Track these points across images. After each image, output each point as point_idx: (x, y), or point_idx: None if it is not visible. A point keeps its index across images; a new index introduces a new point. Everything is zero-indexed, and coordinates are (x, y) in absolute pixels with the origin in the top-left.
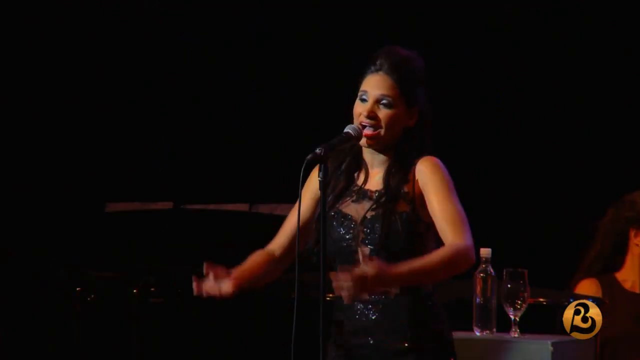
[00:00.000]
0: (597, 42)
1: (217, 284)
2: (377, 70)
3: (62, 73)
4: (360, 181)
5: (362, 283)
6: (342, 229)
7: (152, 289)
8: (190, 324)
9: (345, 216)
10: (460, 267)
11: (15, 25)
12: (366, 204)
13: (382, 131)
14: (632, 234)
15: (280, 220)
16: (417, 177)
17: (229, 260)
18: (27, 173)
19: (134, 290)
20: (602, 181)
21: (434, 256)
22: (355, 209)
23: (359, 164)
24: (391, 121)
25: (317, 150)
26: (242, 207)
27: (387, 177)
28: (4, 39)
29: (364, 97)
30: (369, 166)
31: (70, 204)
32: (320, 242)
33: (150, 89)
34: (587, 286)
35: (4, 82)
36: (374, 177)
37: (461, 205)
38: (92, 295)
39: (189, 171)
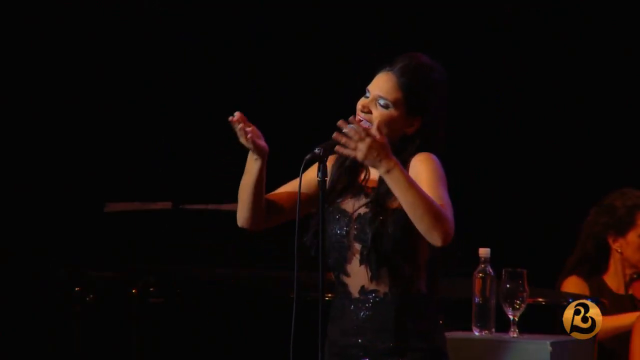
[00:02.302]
0: (597, 42)
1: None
2: (388, 70)
3: (62, 73)
4: (361, 178)
5: (371, 142)
6: (337, 224)
7: (152, 289)
8: (190, 324)
9: (342, 212)
10: (436, 227)
11: (15, 25)
12: (362, 200)
13: (372, 128)
14: (610, 240)
15: None
16: (410, 171)
17: (229, 260)
18: (27, 173)
19: (134, 290)
20: (602, 181)
21: (429, 197)
22: (352, 205)
23: (363, 163)
24: (384, 121)
25: (316, 150)
26: None
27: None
28: (4, 39)
29: (367, 93)
30: (370, 166)
31: (70, 204)
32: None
33: (150, 89)
34: (574, 282)
35: (4, 82)
36: (374, 176)
37: (448, 197)
38: (92, 295)
39: (189, 171)
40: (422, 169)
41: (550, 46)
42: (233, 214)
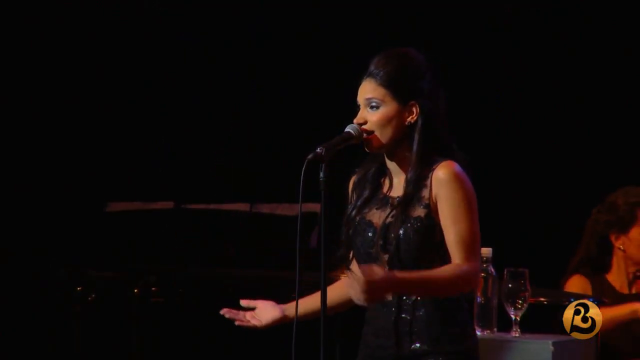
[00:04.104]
0: (597, 42)
1: (263, 313)
2: (365, 77)
3: (62, 73)
4: (385, 188)
5: (370, 288)
6: (364, 236)
7: (152, 289)
8: (190, 324)
9: (368, 223)
10: (462, 290)
11: (16, 25)
12: (387, 211)
13: (376, 133)
14: (612, 237)
15: (280, 220)
16: (433, 184)
17: (229, 260)
18: (27, 173)
19: (134, 290)
20: (602, 181)
21: (442, 272)
22: (378, 216)
23: (385, 172)
24: (381, 122)
25: (318, 150)
26: (242, 207)
27: (407, 183)
28: (4, 39)
29: (359, 106)
30: (392, 173)
31: (70, 204)
32: (346, 247)
33: (150, 89)
34: (577, 281)
35: (4, 82)
36: (398, 184)
37: (477, 223)
38: (92, 295)
39: (189, 171)
40: (447, 191)
41: (550, 46)
42: (234, 214)
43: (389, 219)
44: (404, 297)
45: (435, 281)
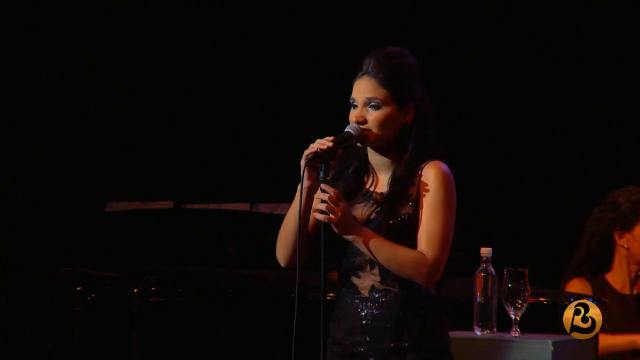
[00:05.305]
0: (597, 42)
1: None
2: (363, 74)
3: (62, 73)
4: (368, 184)
5: (343, 206)
6: None
7: (152, 289)
8: (190, 323)
9: (352, 218)
10: (413, 276)
11: (15, 25)
12: (372, 207)
13: (374, 131)
14: (616, 235)
15: (280, 220)
16: (422, 182)
17: (229, 260)
18: (27, 173)
19: (134, 290)
20: (602, 181)
21: (402, 250)
22: (361, 212)
23: (367, 168)
24: (381, 122)
25: (318, 150)
26: (242, 207)
27: (393, 180)
28: (4, 39)
29: (354, 103)
30: (376, 170)
31: (71, 204)
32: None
33: (150, 88)
34: (577, 285)
35: (4, 82)
36: (382, 180)
37: (450, 224)
38: (92, 295)
39: (189, 171)
40: (430, 187)
41: (550, 45)
42: (234, 213)
43: (373, 214)
44: (381, 294)
45: (390, 255)
